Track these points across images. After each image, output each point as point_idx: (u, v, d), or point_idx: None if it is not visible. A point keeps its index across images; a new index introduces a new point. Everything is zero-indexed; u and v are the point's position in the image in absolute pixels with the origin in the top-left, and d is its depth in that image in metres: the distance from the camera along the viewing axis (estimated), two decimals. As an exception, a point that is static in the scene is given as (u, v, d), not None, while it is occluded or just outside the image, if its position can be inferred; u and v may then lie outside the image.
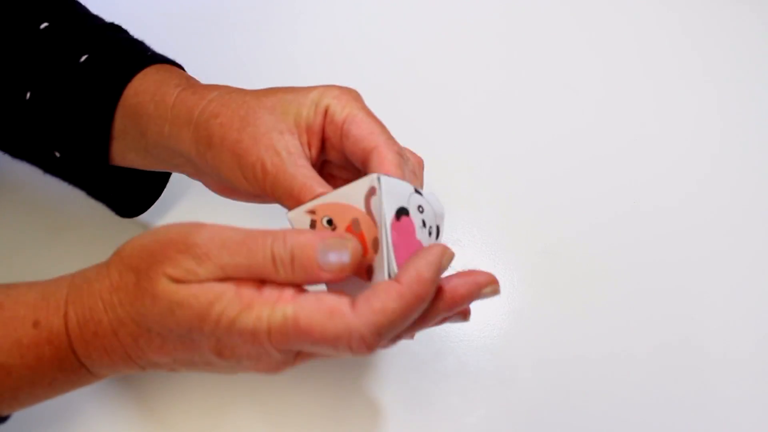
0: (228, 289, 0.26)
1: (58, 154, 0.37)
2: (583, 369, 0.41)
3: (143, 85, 0.35)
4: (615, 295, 0.44)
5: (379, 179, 0.28)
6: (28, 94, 0.36)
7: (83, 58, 0.36)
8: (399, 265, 0.28)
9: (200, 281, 0.26)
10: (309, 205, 0.30)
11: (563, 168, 0.49)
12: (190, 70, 0.39)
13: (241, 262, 0.26)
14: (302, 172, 0.30)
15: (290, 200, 0.30)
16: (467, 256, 0.45)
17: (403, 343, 0.41)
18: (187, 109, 0.33)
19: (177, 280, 0.26)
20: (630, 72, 0.55)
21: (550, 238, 0.46)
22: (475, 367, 0.41)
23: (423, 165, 0.35)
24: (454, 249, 0.45)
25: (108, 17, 0.41)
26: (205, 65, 0.54)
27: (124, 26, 0.40)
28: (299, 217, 0.30)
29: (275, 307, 0.25)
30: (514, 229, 0.47)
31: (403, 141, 0.47)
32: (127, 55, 0.36)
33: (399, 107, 0.52)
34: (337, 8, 0.58)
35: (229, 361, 0.27)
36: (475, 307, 0.43)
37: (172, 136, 0.33)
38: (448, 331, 0.42)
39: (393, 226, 0.28)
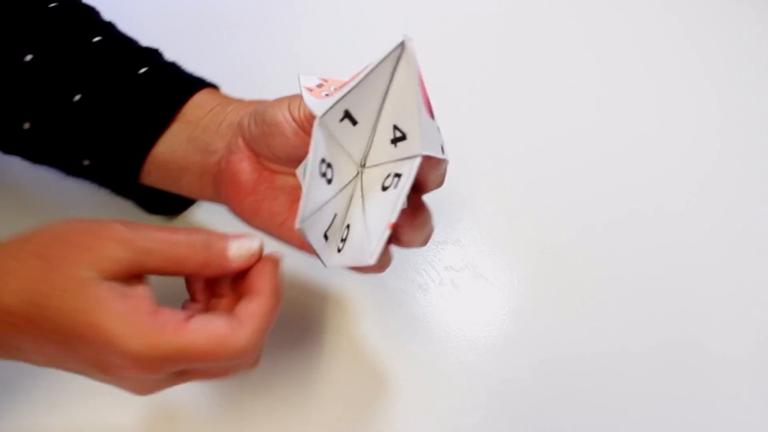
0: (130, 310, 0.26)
1: (87, 162, 0.37)
2: (583, 369, 0.41)
3: (211, 93, 0.38)
4: (615, 296, 0.44)
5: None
6: (78, 97, 0.36)
7: (143, 71, 0.37)
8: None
9: (115, 273, 0.27)
10: (329, 78, 0.31)
11: (563, 168, 0.49)
12: (190, 69, 0.39)
13: (161, 248, 0.28)
14: None
15: None
16: (467, 257, 0.45)
17: (404, 343, 0.42)
18: (249, 102, 0.37)
19: (99, 270, 0.26)
20: (631, 72, 0.55)
21: (551, 238, 0.46)
22: (475, 367, 0.41)
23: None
24: (454, 249, 0.45)
25: (107, 16, 0.41)
26: (205, 64, 0.55)
27: (123, 26, 0.41)
28: (310, 77, 0.31)
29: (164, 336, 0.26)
30: (514, 229, 0.47)
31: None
32: (183, 73, 0.39)
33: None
34: (337, 9, 0.58)
35: (110, 378, 0.28)
36: (476, 307, 0.44)
37: (235, 110, 0.36)
38: (448, 331, 0.42)
39: None
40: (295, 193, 0.35)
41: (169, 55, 0.40)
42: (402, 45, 0.28)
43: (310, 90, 0.31)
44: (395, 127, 0.29)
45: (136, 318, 0.26)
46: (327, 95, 0.30)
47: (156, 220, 0.45)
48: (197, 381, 0.31)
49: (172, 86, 0.38)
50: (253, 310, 0.29)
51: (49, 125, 0.37)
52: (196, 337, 0.27)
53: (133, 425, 0.38)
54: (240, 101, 0.38)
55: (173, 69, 0.39)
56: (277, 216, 0.35)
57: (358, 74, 0.29)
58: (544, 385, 0.41)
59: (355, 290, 0.43)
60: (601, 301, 0.44)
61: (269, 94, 0.39)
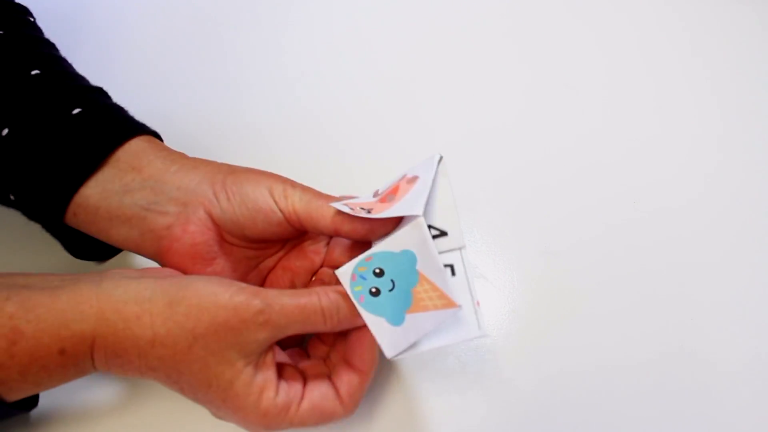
0: (270, 381, 0.31)
1: (12, 198, 0.36)
2: (582, 369, 0.41)
3: (149, 142, 0.37)
4: (615, 296, 0.44)
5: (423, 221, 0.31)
6: (5, 131, 0.35)
7: (76, 111, 0.35)
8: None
9: (256, 352, 0.30)
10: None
11: (564, 169, 0.49)
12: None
13: (297, 320, 0.31)
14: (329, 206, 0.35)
15: (320, 220, 0.34)
16: (467, 257, 0.45)
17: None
18: (204, 161, 0.37)
19: (242, 353, 0.30)
20: (632, 74, 0.55)
21: (551, 239, 0.46)
22: (475, 367, 0.41)
23: None
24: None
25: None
26: (198, 65, 0.55)
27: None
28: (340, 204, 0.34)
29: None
30: (514, 230, 0.47)
31: (403, 142, 0.47)
32: (121, 118, 0.37)
33: (399, 110, 0.52)
34: (336, 9, 0.58)
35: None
36: (475, 307, 0.43)
37: (182, 171, 0.35)
38: (448, 331, 0.42)
39: None
40: (248, 264, 0.37)
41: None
42: (440, 160, 0.33)
43: (352, 209, 0.33)
44: (430, 227, 0.33)
45: (261, 404, 0.30)
46: (355, 209, 0.33)
47: (84, 264, 0.43)
48: None
49: (106, 129, 0.35)
50: (355, 388, 0.33)
51: None
52: (308, 417, 0.31)
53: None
54: (183, 160, 0.36)
55: (112, 112, 0.37)
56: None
57: (400, 186, 0.34)
58: (544, 385, 0.41)
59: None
60: (601, 301, 0.44)
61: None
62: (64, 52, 0.42)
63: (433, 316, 0.31)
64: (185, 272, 0.34)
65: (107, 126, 0.36)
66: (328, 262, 0.38)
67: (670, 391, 0.41)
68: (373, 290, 0.31)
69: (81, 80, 0.39)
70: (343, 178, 0.47)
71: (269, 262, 0.38)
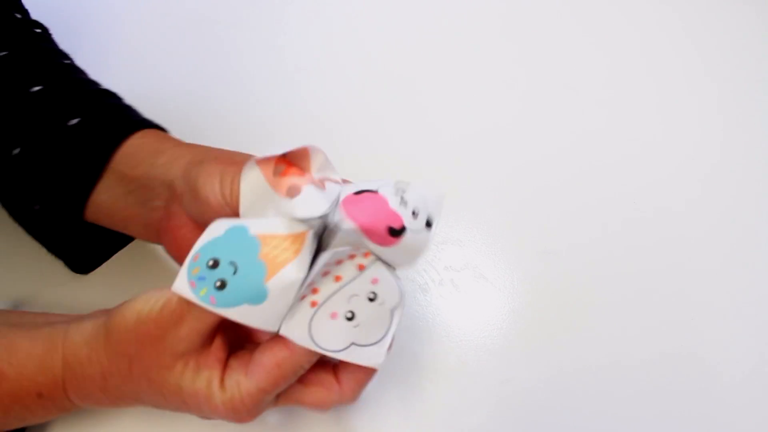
0: (213, 376, 0.30)
1: (37, 207, 0.37)
2: (582, 369, 0.41)
3: (143, 138, 0.37)
4: (615, 296, 0.44)
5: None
6: (17, 150, 0.37)
7: (74, 122, 0.37)
8: (351, 215, 0.29)
9: (189, 350, 0.30)
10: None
11: (564, 169, 0.49)
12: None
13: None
14: None
15: None
16: (467, 257, 0.45)
17: (403, 344, 0.42)
18: (192, 147, 0.36)
19: (168, 367, 0.30)
20: (632, 74, 0.55)
21: (551, 238, 0.46)
22: (475, 367, 0.41)
23: None
24: (454, 249, 0.45)
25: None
26: (195, 60, 0.55)
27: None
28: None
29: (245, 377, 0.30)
30: (514, 230, 0.47)
31: (403, 142, 0.47)
32: (119, 119, 0.38)
33: (399, 109, 0.52)
34: (335, 5, 0.58)
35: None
36: (476, 307, 0.44)
37: (166, 164, 0.35)
38: (449, 331, 0.42)
39: (347, 198, 0.29)
40: None
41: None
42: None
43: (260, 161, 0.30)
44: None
45: (214, 398, 0.30)
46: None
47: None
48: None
49: (100, 138, 0.37)
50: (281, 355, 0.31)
51: None
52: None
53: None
54: (173, 148, 0.36)
55: (108, 115, 0.38)
56: None
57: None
58: (544, 385, 0.41)
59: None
60: (600, 301, 0.44)
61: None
62: (64, 48, 0.43)
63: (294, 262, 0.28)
64: (179, 260, 0.35)
65: (100, 135, 0.37)
66: None
67: (669, 391, 0.41)
68: (218, 284, 0.27)
69: (84, 86, 0.40)
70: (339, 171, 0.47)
71: None
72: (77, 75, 0.41)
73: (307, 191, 0.29)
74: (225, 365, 0.30)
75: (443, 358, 0.41)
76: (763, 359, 0.42)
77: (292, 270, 0.27)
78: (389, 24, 0.57)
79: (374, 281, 0.29)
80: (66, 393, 0.32)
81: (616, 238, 0.46)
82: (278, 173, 0.29)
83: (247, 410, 0.30)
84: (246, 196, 0.30)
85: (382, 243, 0.29)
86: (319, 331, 0.29)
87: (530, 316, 0.43)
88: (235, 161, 0.32)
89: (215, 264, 0.27)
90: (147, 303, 0.30)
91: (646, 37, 0.57)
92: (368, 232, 0.28)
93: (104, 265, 0.44)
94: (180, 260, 0.34)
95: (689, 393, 0.41)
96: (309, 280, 0.28)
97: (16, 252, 0.45)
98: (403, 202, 0.30)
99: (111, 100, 0.40)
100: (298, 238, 0.28)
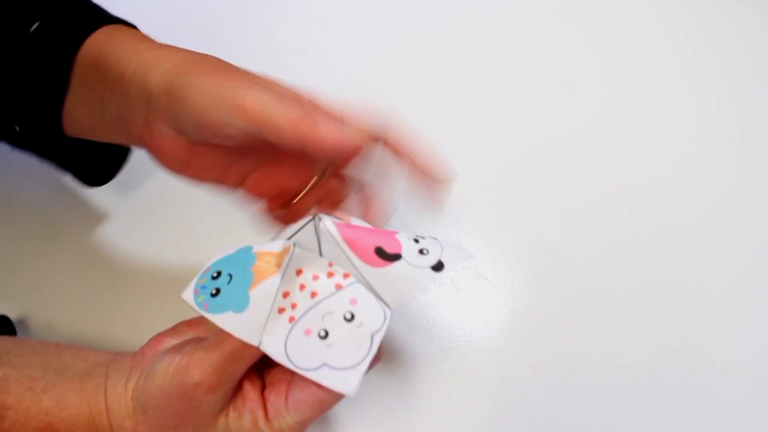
0: (257, 415, 0.31)
1: (17, 128, 0.36)
2: (582, 369, 0.41)
3: (103, 41, 0.34)
4: (615, 296, 0.44)
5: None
6: None
7: (34, 27, 0.34)
8: (338, 224, 0.30)
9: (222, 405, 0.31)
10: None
11: (563, 169, 0.49)
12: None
13: (229, 369, 0.30)
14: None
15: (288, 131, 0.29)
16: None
17: (404, 344, 0.42)
18: (161, 51, 0.33)
19: (212, 424, 0.31)
20: (631, 73, 0.55)
21: (551, 239, 0.46)
22: (475, 367, 0.41)
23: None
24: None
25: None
26: (195, 41, 0.54)
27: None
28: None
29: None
30: (514, 230, 0.47)
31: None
32: (81, 17, 0.35)
33: (397, 108, 0.52)
34: (335, 9, 0.58)
35: None
36: (476, 307, 0.43)
37: (138, 72, 0.32)
38: (449, 331, 0.42)
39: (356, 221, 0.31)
40: (226, 160, 0.34)
41: (157, 29, 0.38)
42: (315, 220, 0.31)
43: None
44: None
45: (259, 421, 0.31)
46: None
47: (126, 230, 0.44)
48: None
49: (61, 41, 0.34)
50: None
51: None
52: (309, 415, 0.31)
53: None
54: (142, 53, 0.33)
55: (68, 14, 0.35)
56: (217, 177, 0.35)
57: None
58: (544, 385, 0.41)
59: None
60: (600, 301, 0.44)
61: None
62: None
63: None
64: (171, 172, 0.34)
65: (63, 34, 0.34)
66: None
67: (670, 390, 0.41)
68: (213, 291, 0.29)
69: None
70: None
71: (250, 160, 0.35)
72: None
73: (319, 216, 0.31)
74: (264, 400, 0.31)
75: (443, 357, 0.41)
76: (761, 347, 0.42)
77: (272, 279, 0.28)
78: (390, 17, 0.57)
79: (353, 301, 0.29)
80: None
81: (615, 238, 0.46)
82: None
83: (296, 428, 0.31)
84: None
85: (366, 261, 0.29)
86: (294, 348, 0.28)
87: (530, 316, 0.43)
88: (228, 74, 0.31)
89: (218, 275, 0.29)
90: (165, 376, 0.30)
91: (644, 37, 0.57)
92: (351, 243, 0.29)
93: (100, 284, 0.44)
94: (172, 171, 0.34)
95: (689, 393, 0.41)
96: (284, 288, 0.29)
97: (15, 266, 0.45)
98: (416, 239, 0.30)
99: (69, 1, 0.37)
100: (284, 252, 0.29)
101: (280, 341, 0.28)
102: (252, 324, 0.28)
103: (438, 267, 0.29)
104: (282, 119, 0.29)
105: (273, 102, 0.29)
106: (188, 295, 0.29)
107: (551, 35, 0.57)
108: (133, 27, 0.37)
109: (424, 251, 0.29)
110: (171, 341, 0.33)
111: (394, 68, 0.54)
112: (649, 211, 0.47)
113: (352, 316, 0.28)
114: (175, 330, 0.34)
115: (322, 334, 0.28)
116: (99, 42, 0.34)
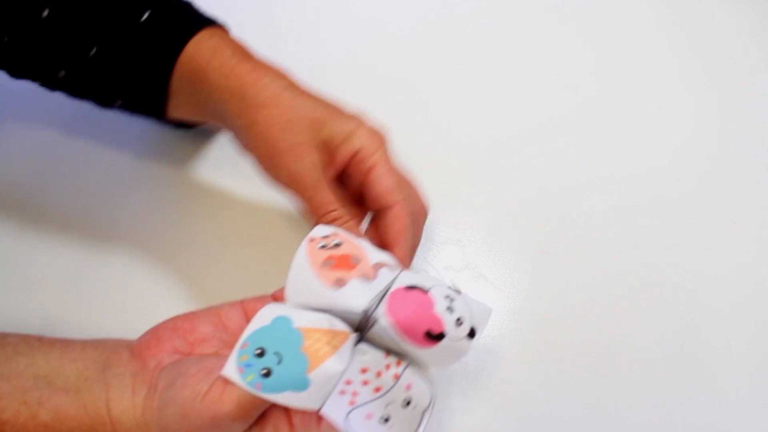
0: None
1: (120, 102, 0.41)
2: (582, 369, 0.41)
3: (200, 50, 0.38)
4: (615, 295, 0.44)
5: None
6: (94, 50, 0.38)
7: (144, 17, 0.38)
8: (391, 311, 0.31)
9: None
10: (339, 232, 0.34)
11: (563, 168, 0.49)
12: None
13: (257, 405, 0.30)
14: (324, 186, 0.36)
15: (307, 200, 0.36)
16: (467, 256, 0.45)
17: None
18: (240, 86, 0.37)
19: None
20: (630, 72, 0.55)
21: (550, 238, 0.46)
22: (475, 367, 0.41)
23: (426, 215, 0.40)
24: (454, 249, 0.45)
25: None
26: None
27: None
28: (324, 228, 0.34)
29: None
30: (514, 229, 0.47)
31: (402, 141, 0.47)
32: (184, 16, 0.39)
33: (397, 107, 0.52)
34: (335, 7, 0.58)
35: None
36: (475, 307, 0.44)
37: (222, 102, 0.37)
38: (448, 331, 0.42)
39: (396, 292, 0.31)
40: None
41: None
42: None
43: (312, 239, 0.33)
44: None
45: None
46: (324, 246, 0.32)
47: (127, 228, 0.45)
48: None
49: (169, 34, 0.38)
50: None
51: (78, 74, 0.39)
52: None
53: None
54: (227, 72, 0.37)
55: (172, 11, 0.39)
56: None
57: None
58: (544, 385, 0.41)
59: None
60: (600, 301, 0.44)
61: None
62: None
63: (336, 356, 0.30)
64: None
65: (171, 29, 0.38)
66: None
67: (670, 391, 0.41)
68: (264, 372, 0.29)
69: None
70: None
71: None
72: None
73: (353, 285, 0.31)
74: (289, 416, 0.31)
75: (443, 358, 0.41)
76: (760, 344, 0.42)
77: (332, 364, 0.29)
78: (386, 27, 0.57)
79: (408, 387, 0.31)
80: None
81: (615, 237, 0.46)
82: (327, 266, 0.31)
83: None
84: (292, 273, 0.32)
85: (418, 344, 0.31)
86: (355, 424, 0.31)
87: (530, 316, 0.43)
88: (279, 141, 0.36)
89: (261, 353, 0.29)
90: (192, 407, 0.30)
91: (643, 34, 0.57)
92: (405, 332, 0.30)
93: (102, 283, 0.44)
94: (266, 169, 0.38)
95: (690, 393, 0.41)
96: (347, 377, 0.30)
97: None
98: (450, 308, 0.31)
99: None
100: (337, 334, 0.30)
101: (341, 415, 0.30)
102: (314, 400, 0.30)
103: (472, 334, 0.32)
104: (313, 190, 0.37)
105: (358, 135, 0.37)
106: (232, 374, 0.29)
107: (548, 33, 0.57)
108: (225, 29, 0.40)
109: (460, 320, 0.32)
110: (171, 343, 0.33)
111: (392, 68, 0.54)
112: (649, 210, 0.47)
113: (409, 402, 0.31)
114: (174, 327, 0.34)
115: (385, 418, 0.31)
116: (197, 48, 0.38)
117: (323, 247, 0.32)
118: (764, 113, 0.53)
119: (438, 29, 0.57)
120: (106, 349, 0.33)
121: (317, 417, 0.31)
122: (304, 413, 0.31)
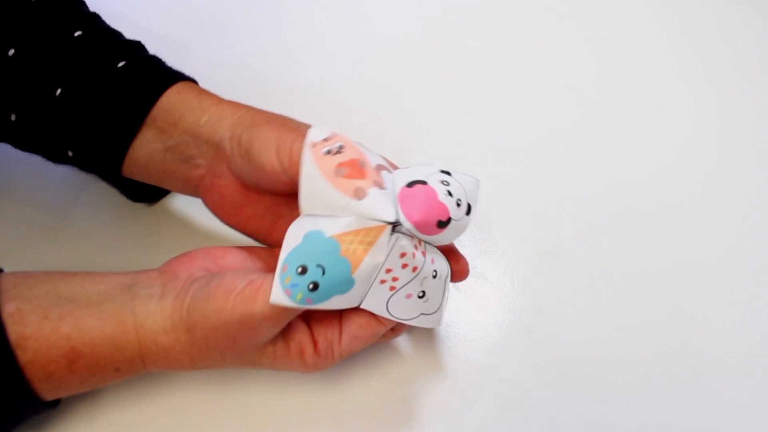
0: (305, 343, 0.34)
1: (71, 153, 0.38)
2: (583, 368, 0.41)
3: (178, 94, 0.38)
4: (615, 295, 0.44)
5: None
6: (59, 91, 0.36)
7: (121, 64, 0.37)
8: (406, 213, 0.32)
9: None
10: (338, 134, 0.33)
11: (563, 168, 0.49)
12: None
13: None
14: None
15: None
16: (467, 256, 0.45)
17: (403, 343, 0.42)
18: (234, 107, 0.37)
19: (261, 351, 0.33)
20: (629, 71, 0.55)
21: (550, 238, 0.46)
22: (475, 367, 0.41)
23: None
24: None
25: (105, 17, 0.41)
26: (201, 61, 0.55)
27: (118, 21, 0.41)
28: (321, 130, 0.33)
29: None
30: (514, 229, 0.47)
31: (402, 141, 0.47)
32: (160, 69, 0.39)
33: (396, 106, 0.52)
34: (334, 5, 0.58)
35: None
36: (476, 307, 0.44)
37: (209, 123, 0.36)
38: (449, 330, 0.42)
39: (402, 192, 0.32)
40: (278, 211, 0.38)
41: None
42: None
43: (314, 144, 0.32)
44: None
45: (307, 361, 0.34)
46: (329, 152, 0.32)
47: (138, 207, 0.46)
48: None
49: (141, 88, 0.37)
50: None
51: (33, 118, 0.37)
52: (352, 347, 0.35)
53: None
54: (212, 109, 0.37)
55: (148, 65, 0.39)
56: (263, 230, 0.38)
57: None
58: (544, 385, 0.41)
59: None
60: (601, 301, 0.44)
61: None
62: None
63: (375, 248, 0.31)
64: (221, 217, 0.38)
65: (140, 85, 0.37)
66: None
67: (671, 390, 0.41)
68: (311, 286, 0.30)
69: (117, 34, 0.40)
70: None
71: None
72: (106, 25, 0.41)
73: (373, 195, 0.31)
74: (311, 331, 0.34)
75: (443, 357, 0.41)
76: (761, 346, 0.42)
77: (372, 258, 0.31)
78: (385, 25, 0.57)
79: (433, 261, 0.34)
80: (145, 366, 0.33)
81: (615, 237, 0.46)
82: (340, 175, 0.31)
83: (338, 356, 0.34)
84: (305, 184, 0.32)
85: (430, 234, 0.33)
86: (395, 307, 0.33)
87: (530, 316, 0.43)
88: (289, 127, 0.34)
89: (304, 270, 0.30)
90: (226, 302, 0.31)
91: (643, 34, 0.57)
92: (422, 228, 0.32)
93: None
94: (222, 216, 0.38)
95: (691, 392, 0.41)
96: (387, 266, 0.31)
97: None
98: (449, 192, 0.33)
99: (142, 51, 0.40)
100: (371, 230, 0.31)
101: (382, 303, 0.33)
102: (357, 297, 0.32)
103: (469, 211, 0.35)
104: None
105: None
106: (280, 297, 0.30)
107: (549, 32, 0.57)
108: (194, 81, 0.40)
109: (459, 202, 0.34)
110: (204, 262, 0.35)
111: (391, 67, 0.54)
112: (649, 210, 0.47)
113: (436, 273, 0.34)
114: (207, 250, 0.35)
115: (421, 294, 0.33)
116: (175, 94, 0.37)
117: (328, 152, 0.32)
118: (765, 114, 0.53)
119: (441, 41, 0.57)
120: (132, 273, 0.35)
121: (339, 333, 0.33)
122: (326, 331, 0.33)
